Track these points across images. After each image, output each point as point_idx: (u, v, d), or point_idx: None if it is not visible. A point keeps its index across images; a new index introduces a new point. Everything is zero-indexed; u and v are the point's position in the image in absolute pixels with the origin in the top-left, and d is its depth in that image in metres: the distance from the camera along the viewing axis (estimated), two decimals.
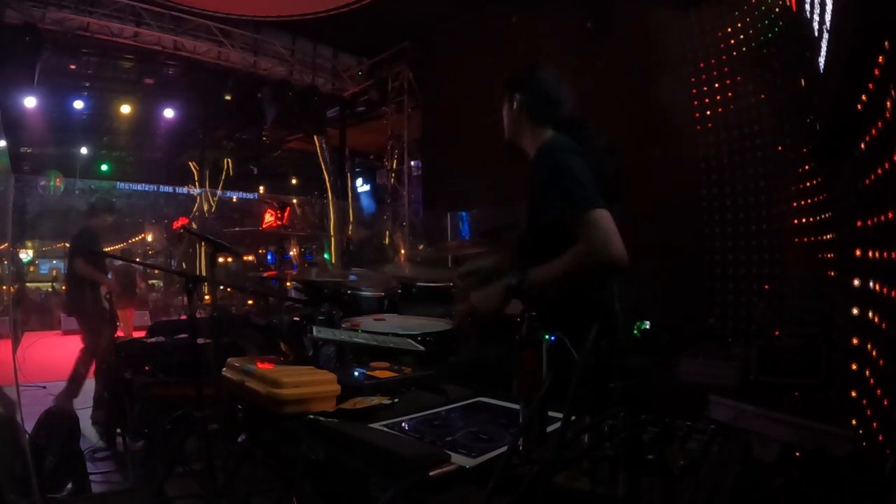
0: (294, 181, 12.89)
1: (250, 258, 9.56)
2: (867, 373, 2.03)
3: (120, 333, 4.78)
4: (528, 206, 1.61)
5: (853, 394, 2.24)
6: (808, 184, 3.64)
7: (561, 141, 1.56)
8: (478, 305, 1.57)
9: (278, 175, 12.57)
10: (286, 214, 7.15)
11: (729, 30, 4.36)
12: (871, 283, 1.95)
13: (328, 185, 9.48)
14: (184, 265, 9.80)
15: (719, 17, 4.42)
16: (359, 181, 10.62)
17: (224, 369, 1.39)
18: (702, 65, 4.49)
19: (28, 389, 4.02)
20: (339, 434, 0.98)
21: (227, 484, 1.69)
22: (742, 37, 4.27)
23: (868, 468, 1.71)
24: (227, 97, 8.08)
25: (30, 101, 7.28)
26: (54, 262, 12.31)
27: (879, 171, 1.79)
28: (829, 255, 3.07)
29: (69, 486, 2.31)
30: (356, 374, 1.38)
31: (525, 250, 1.65)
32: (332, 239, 9.51)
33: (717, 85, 4.41)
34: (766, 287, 4.03)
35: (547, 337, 0.88)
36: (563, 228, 1.43)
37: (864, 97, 1.96)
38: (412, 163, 8.17)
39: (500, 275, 1.58)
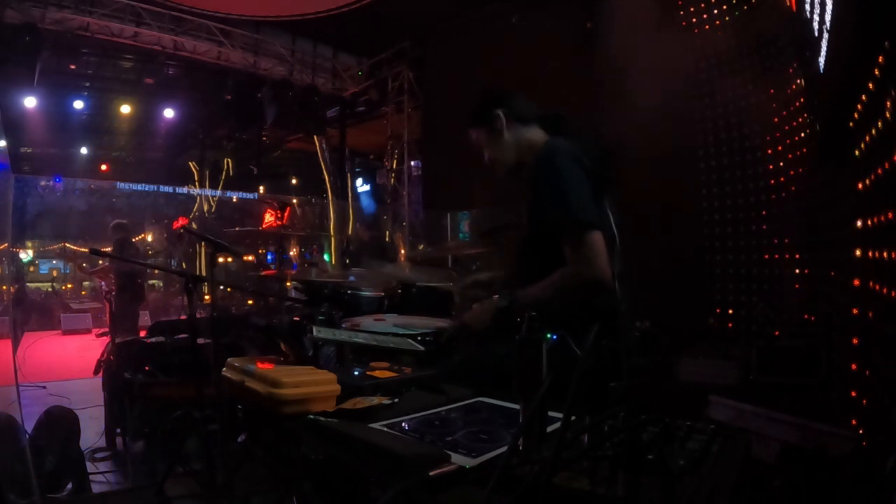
0: (294, 181, 12.87)
1: (250, 258, 9.56)
2: (867, 373, 2.03)
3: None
4: (528, 209, 1.62)
5: (853, 394, 2.24)
6: (808, 184, 3.64)
7: (560, 145, 1.57)
8: (469, 324, 1.63)
9: (278, 175, 12.55)
10: (286, 214, 7.14)
11: (729, 30, 4.36)
12: (871, 283, 1.95)
13: (328, 185, 9.48)
14: (184, 265, 9.80)
15: (719, 18, 4.42)
16: (359, 181, 10.61)
17: (224, 369, 1.39)
18: (702, 65, 4.49)
19: (28, 389, 4.03)
20: (339, 434, 0.98)
21: (227, 484, 1.70)
22: (742, 37, 4.26)
23: (868, 468, 1.71)
24: (227, 97, 8.07)
25: (30, 101, 7.27)
26: (54, 262, 12.29)
27: (879, 171, 1.79)
28: (828, 255, 3.07)
29: (69, 486, 2.31)
30: (356, 374, 1.38)
31: (523, 254, 1.66)
32: (332, 239, 9.51)
33: (716, 85, 4.40)
34: (766, 287, 4.02)
35: (549, 336, 0.87)
36: (558, 237, 1.48)
37: (864, 97, 1.96)
38: (412, 163, 8.16)
39: (498, 287, 1.62)
